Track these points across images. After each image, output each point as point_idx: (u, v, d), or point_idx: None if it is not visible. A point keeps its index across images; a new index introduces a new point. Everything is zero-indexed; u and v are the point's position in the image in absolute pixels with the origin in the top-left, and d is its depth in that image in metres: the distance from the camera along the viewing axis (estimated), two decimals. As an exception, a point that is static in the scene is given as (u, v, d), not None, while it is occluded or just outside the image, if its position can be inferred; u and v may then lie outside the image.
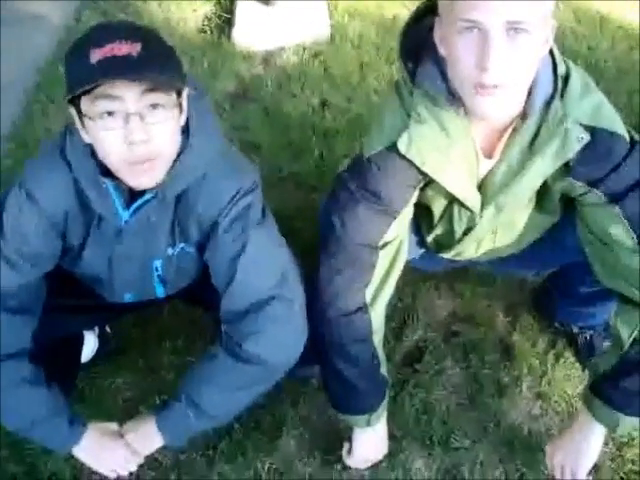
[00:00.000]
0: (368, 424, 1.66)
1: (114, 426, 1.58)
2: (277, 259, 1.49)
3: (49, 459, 1.81)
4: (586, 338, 2.01)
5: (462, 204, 1.51)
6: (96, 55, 1.19)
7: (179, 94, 1.31)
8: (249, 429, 1.88)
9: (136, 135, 1.23)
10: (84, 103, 1.24)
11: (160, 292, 1.66)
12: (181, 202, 1.44)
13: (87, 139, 1.31)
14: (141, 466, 1.63)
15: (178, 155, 1.35)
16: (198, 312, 2.03)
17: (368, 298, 1.53)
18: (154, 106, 1.24)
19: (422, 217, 1.64)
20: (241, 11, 3.05)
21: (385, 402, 1.68)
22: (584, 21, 3.10)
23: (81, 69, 1.20)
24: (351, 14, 3.11)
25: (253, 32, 3.01)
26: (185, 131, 1.37)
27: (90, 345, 1.95)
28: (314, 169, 2.52)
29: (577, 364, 2.03)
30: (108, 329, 2.03)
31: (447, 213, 1.58)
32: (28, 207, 1.42)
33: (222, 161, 1.43)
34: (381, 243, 1.49)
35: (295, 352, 1.50)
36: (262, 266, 1.45)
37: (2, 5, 3.10)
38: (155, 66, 1.21)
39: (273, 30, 3.02)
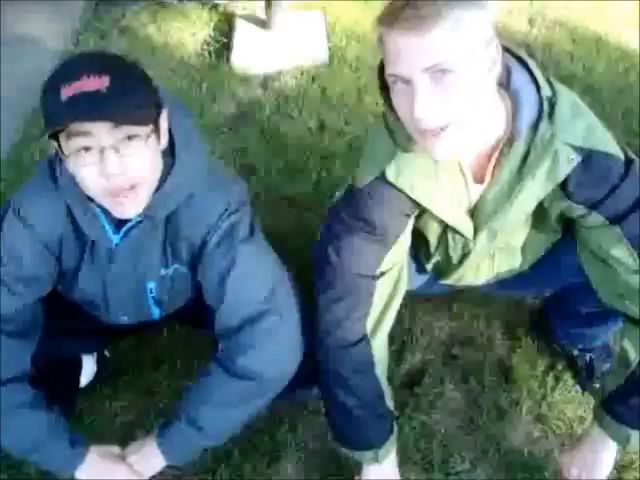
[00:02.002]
0: (377, 460, 1.62)
1: (116, 449, 1.57)
2: (267, 274, 1.49)
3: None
4: (586, 360, 2.01)
5: (455, 230, 1.51)
6: (65, 92, 1.20)
7: (156, 119, 1.31)
8: (247, 453, 1.87)
9: (111, 168, 1.24)
10: (61, 139, 1.25)
11: (155, 314, 1.66)
12: (170, 222, 1.44)
13: (70, 169, 1.31)
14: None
15: (165, 176, 1.36)
16: (195, 334, 2.03)
17: (368, 329, 1.53)
18: (130, 137, 1.24)
19: (420, 245, 1.65)
20: (239, 35, 3.07)
21: (393, 437, 1.64)
22: (580, 42, 3.11)
23: (53, 106, 1.22)
24: (349, 37, 3.12)
25: (251, 55, 3.02)
26: (170, 150, 1.37)
27: (89, 370, 1.95)
28: (311, 191, 2.53)
29: (577, 386, 2.02)
30: (107, 353, 2.03)
31: (443, 240, 1.58)
32: (22, 231, 1.43)
33: (209, 179, 1.44)
34: (378, 272, 1.49)
35: (290, 366, 1.50)
36: (252, 281, 1.46)
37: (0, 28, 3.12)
38: (125, 100, 1.21)
39: (271, 53, 3.03)
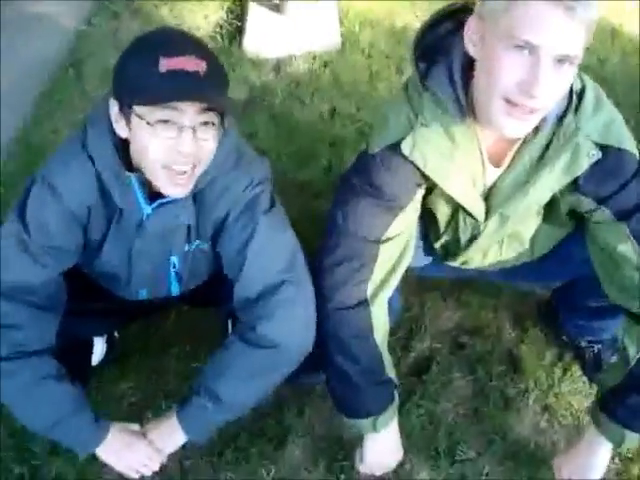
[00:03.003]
0: (374, 429, 1.61)
1: (135, 426, 1.58)
2: (286, 245, 1.50)
3: (54, 461, 1.81)
4: (593, 352, 2.01)
5: (466, 211, 1.50)
6: (165, 65, 1.22)
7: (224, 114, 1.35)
8: (254, 436, 1.88)
9: (187, 147, 1.28)
10: (139, 105, 1.26)
11: (175, 289, 1.66)
12: (197, 199, 1.45)
13: (124, 134, 1.34)
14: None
15: None
16: (203, 318, 2.03)
17: (369, 293, 1.51)
18: (206, 123, 1.29)
19: (429, 224, 1.64)
20: (252, 19, 3.06)
21: (393, 407, 1.63)
22: (595, 34, 3.09)
23: (149, 77, 1.23)
24: (362, 23, 3.11)
25: (264, 40, 3.01)
26: None
27: (98, 350, 1.95)
28: (322, 177, 2.52)
29: (584, 378, 2.02)
30: (116, 334, 2.03)
31: (453, 221, 1.58)
32: (51, 201, 1.42)
33: (236, 156, 1.46)
34: (383, 238, 1.48)
35: (308, 335, 1.50)
36: (271, 252, 1.47)
37: (12, 6, 3.12)
38: (217, 87, 1.28)
39: (284, 38, 3.02)
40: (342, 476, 1.82)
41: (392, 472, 1.80)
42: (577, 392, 2.00)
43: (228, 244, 1.49)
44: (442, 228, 1.62)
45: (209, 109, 1.28)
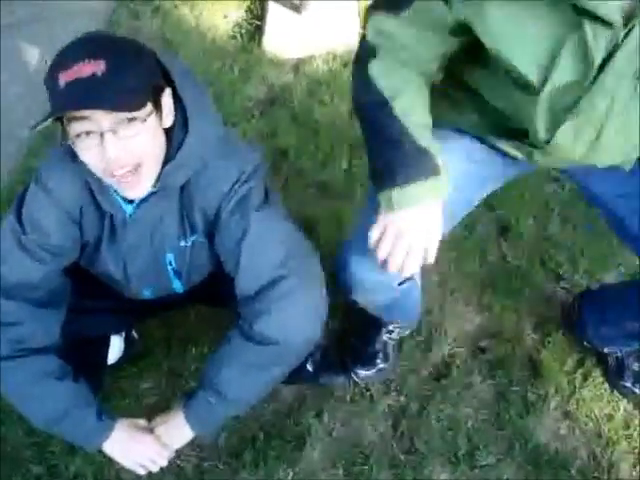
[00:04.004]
0: (437, 192, 1.31)
1: (142, 422, 1.58)
2: (282, 239, 1.46)
3: (72, 460, 1.81)
4: (617, 358, 1.98)
5: (590, 14, 1.07)
6: (62, 79, 1.20)
7: (156, 99, 1.30)
8: (272, 438, 1.87)
9: (111, 152, 1.24)
10: (65, 124, 1.26)
11: (177, 286, 1.65)
12: (185, 192, 1.43)
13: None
14: (162, 471, 1.62)
15: (177, 147, 1.36)
16: (223, 318, 2.02)
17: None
18: (129, 119, 1.24)
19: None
20: (272, 18, 3.04)
21: (446, 171, 1.33)
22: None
23: (53, 94, 1.23)
24: (382, 23, 3.09)
25: (284, 39, 3.00)
26: (183, 122, 1.37)
27: (116, 348, 1.95)
28: (341, 178, 2.51)
29: (606, 384, 2.00)
30: (135, 333, 2.03)
31: (570, 42, 1.13)
32: (46, 201, 1.43)
33: (222, 147, 1.42)
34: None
35: (311, 330, 1.46)
36: (266, 246, 1.43)
37: (28, 7, 3.12)
38: (120, 85, 1.21)
39: (304, 38, 3.01)
40: (362, 478, 1.81)
41: (412, 476, 1.79)
42: (598, 398, 1.97)
43: (223, 241, 1.46)
44: (551, 54, 1.15)
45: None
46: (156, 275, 1.59)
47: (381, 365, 1.98)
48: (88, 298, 1.63)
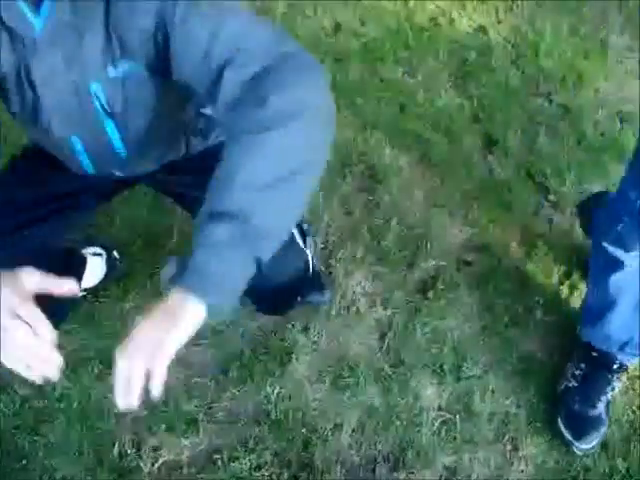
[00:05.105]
0: None
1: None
2: (266, 26, 1.17)
3: (59, 379, 1.79)
4: None
5: None
6: None
7: None
8: (259, 354, 1.87)
9: None
10: None
11: (111, 129, 1.34)
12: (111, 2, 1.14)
13: None
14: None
15: None
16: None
17: None
18: None
19: None
20: None
21: None
22: None
23: None
24: None
25: None
26: None
27: (98, 270, 1.93)
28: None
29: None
30: (116, 254, 2.00)
31: None
32: None
33: None
34: None
35: (329, 99, 1.15)
36: (253, 33, 1.13)
37: None
38: None
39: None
40: (347, 393, 1.82)
41: (397, 388, 1.80)
42: (584, 309, 1.98)
43: (188, 54, 1.13)
44: None
45: None
46: (82, 114, 1.29)
47: None
48: (37, 186, 1.49)
